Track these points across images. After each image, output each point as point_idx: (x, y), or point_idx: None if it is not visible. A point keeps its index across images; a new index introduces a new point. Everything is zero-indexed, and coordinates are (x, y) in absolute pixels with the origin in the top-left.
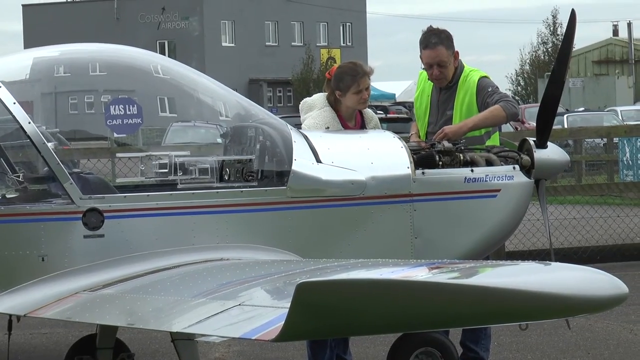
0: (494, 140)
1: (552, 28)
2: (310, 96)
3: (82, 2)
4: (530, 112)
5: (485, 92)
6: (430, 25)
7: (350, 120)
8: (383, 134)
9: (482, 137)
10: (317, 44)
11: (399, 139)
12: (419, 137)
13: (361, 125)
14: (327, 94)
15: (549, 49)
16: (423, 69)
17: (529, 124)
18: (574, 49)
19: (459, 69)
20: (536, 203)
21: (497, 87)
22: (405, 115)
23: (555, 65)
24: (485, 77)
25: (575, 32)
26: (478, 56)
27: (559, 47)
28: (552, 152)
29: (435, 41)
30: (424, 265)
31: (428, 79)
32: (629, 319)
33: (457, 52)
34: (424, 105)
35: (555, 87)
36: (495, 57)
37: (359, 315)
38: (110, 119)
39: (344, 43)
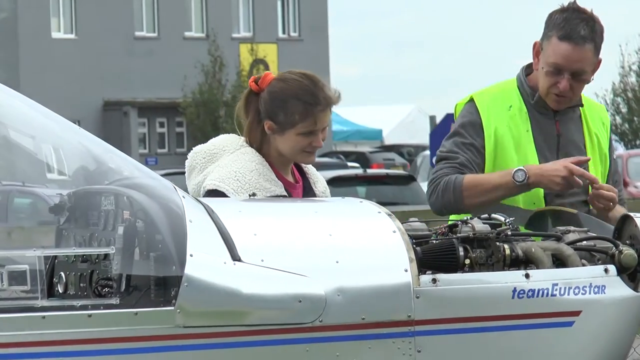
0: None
1: None
2: (216, 135)
3: None
4: (638, 164)
5: (613, 154)
6: (575, 2)
7: (286, 172)
8: (358, 206)
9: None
10: (233, 35)
11: (389, 215)
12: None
13: (303, 184)
14: (242, 136)
15: None
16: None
17: (635, 186)
18: None
19: None
20: None
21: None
22: (402, 172)
23: None
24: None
25: None
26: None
27: None
28: None
29: (585, 34)
30: None
31: (543, 92)
32: None
33: (600, 61)
34: (522, 137)
35: None
36: None
37: None
38: None
39: (284, 33)
